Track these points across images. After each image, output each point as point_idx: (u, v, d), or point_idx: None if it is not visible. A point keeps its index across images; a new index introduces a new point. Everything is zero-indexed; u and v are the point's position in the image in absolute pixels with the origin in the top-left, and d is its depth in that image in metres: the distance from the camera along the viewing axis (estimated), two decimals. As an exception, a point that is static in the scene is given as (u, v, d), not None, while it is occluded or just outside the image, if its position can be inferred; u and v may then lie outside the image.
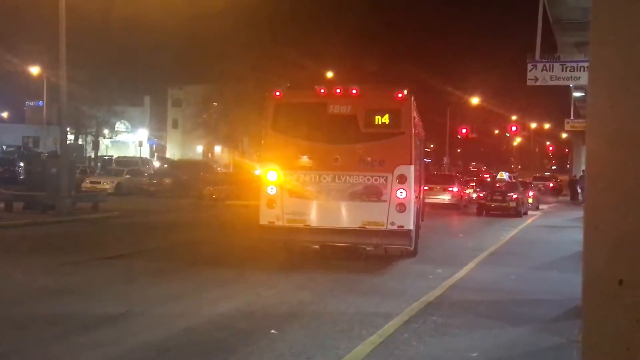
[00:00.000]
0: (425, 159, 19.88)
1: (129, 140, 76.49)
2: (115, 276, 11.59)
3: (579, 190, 41.11)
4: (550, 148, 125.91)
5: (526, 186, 37.53)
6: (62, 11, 22.05)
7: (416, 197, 14.37)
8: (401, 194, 13.00)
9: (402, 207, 12.99)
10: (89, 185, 35.58)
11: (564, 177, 61.53)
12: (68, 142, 33.38)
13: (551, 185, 57.69)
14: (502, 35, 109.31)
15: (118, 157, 57.26)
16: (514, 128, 70.54)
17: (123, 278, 11.42)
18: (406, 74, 62.96)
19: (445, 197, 33.73)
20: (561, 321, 8.99)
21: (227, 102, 55.67)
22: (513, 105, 74.84)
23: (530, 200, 34.98)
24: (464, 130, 63.12)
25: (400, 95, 13.34)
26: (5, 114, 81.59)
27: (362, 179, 13.11)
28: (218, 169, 50.13)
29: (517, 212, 30.27)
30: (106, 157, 60.26)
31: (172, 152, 78.78)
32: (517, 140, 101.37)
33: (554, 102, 63.63)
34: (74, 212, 22.35)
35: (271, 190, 13.33)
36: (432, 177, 34.68)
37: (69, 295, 9.85)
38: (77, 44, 30.56)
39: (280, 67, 50.65)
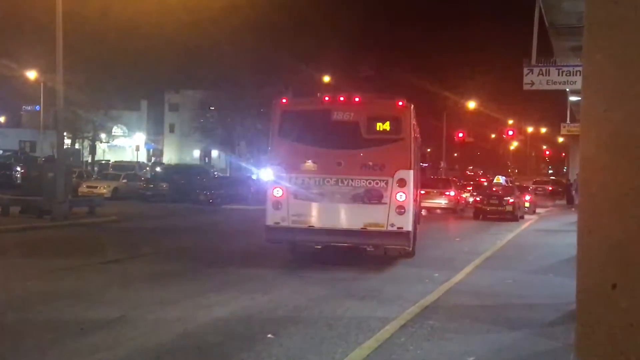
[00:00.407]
0: (421, 163, 20.12)
1: (126, 144, 76.43)
2: (111, 281, 11.56)
3: (574, 194, 41.17)
4: (547, 152, 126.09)
5: (523, 190, 37.57)
6: (58, 16, 22.07)
7: (414, 200, 14.84)
8: (401, 197, 13.63)
9: (401, 209, 13.61)
10: (85, 189, 35.53)
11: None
12: (65, 146, 33.34)
13: (550, 188, 58.56)
14: (498, 39, 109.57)
15: (115, 161, 57.24)
16: (510, 132, 70.59)
17: (119, 283, 11.40)
18: (403, 78, 63.13)
19: (441, 201, 33.78)
20: (557, 325, 8.99)
21: (223, 107, 55.72)
22: (509, 110, 74.93)
23: (526, 204, 35.02)
24: (460, 134, 63.21)
25: (400, 103, 14.06)
26: (2, 119, 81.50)
27: (363, 182, 13.70)
28: (215, 173, 50.09)
29: (514, 216, 30.29)
30: (103, 162, 60.21)
31: (169, 157, 78.82)
32: (514, 145, 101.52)
33: (551, 107, 63.80)
34: (70, 217, 22.32)
35: (277, 193, 13.94)
36: (429, 181, 34.71)
37: (65, 300, 9.82)
38: (74, 49, 30.58)
39: (276, 71, 50.72)
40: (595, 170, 2.01)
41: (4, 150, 59.81)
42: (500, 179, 37.35)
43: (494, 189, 33.56)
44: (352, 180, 13.74)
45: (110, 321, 8.49)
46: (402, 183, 13.67)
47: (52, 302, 9.63)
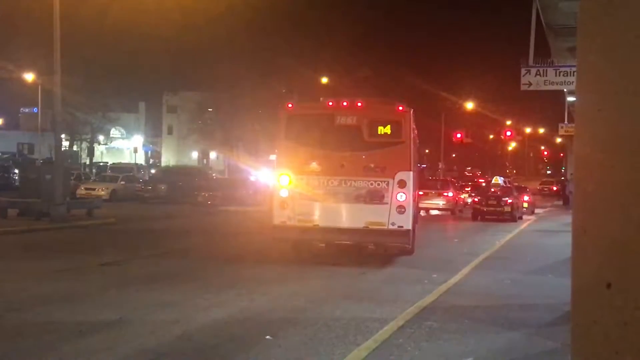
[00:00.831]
0: (419, 164, 20.38)
1: (124, 146, 76.44)
2: (109, 282, 11.56)
3: (568, 194, 41.12)
4: (545, 153, 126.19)
5: (521, 190, 37.58)
6: (56, 18, 22.06)
7: (413, 200, 15.36)
8: (401, 197, 14.26)
9: (402, 209, 14.24)
10: (83, 191, 35.52)
11: None
12: (63, 148, 33.38)
13: (555, 188, 60.05)
14: (496, 40, 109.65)
15: (113, 163, 57.22)
16: (508, 133, 70.69)
17: (117, 284, 11.39)
18: (401, 79, 63.15)
19: (440, 202, 33.79)
20: (555, 325, 8.99)
21: (221, 108, 55.72)
22: (507, 110, 75.02)
23: (525, 205, 35.04)
24: (458, 135, 63.22)
25: (400, 108, 14.82)
26: (0, 121, 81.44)
27: (365, 183, 14.35)
28: (213, 175, 50.10)
29: (512, 216, 30.31)
30: (101, 164, 60.21)
31: (167, 158, 78.80)
32: (512, 145, 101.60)
33: (548, 107, 63.87)
34: (68, 219, 22.32)
35: (284, 193, 14.57)
36: (427, 182, 34.73)
37: (63, 302, 9.82)
38: (72, 51, 30.55)
39: (274, 73, 50.73)
40: (590, 169, 2.02)
41: (2, 153, 59.80)
42: (498, 180, 37.34)
43: (492, 190, 33.56)
44: (354, 181, 14.35)
45: (108, 323, 8.49)
46: (402, 184, 14.26)
47: (51, 304, 9.63)
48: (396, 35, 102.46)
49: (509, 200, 30.97)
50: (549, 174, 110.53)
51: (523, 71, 22.69)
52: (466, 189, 43.88)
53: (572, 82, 22.18)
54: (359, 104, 14.85)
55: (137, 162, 65.21)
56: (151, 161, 76.85)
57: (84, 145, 64.68)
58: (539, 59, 23.28)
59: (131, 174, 45.18)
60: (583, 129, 2.06)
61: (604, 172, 1.97)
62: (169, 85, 70.46)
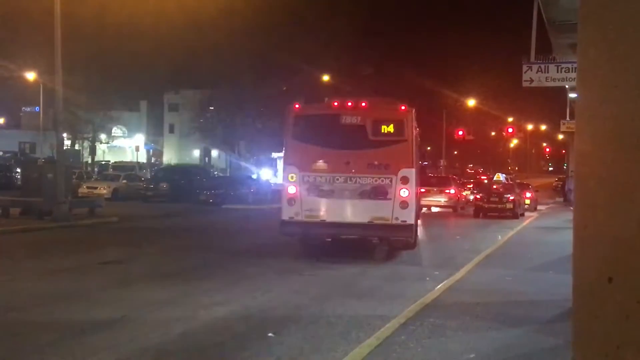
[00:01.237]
0: (421, 162, 20.53)
1: (125, 145, 76.42)
2: (112, 281, 11.57)
3: (567, 191, 41.03)
4: (547, 149, 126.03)
5: (523, 187, 37.54)
6: (57, 17, 22.07)
7: (416, 196, 15.78)
8: (404, 193, 14.79)
9: (405, 204, 14.78)
10: (85, 190, 35.52)
11: None
12: (64, 147, 33.33)
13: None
14: (497, 37, 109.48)
15: (115, 162, 57.21)
16: (510, 130, 70.56)
17: (120, 283, 11.40)
18: (403, 76, 63.11)
19: (442, 199, 33.77)
20: (558, 322, 8.98)
21: (223, 107, 55.74)
22: (509, 107, 74.97)
23: (527, 202, 35.01)
24: (460, 132, 63.12)
25: (403, 108, 15.34)
26: (1, 120, 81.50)
27: (370, 180, 14.88)
28: (215, 173, 50.10)
29: (514, 213, 30.30)
30: (103, 163, 60.19)
31: (169, 157, 78.82)
32: (514, 142, 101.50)
33: (550, 104, 63.75)
34: (70, 218, 22.33)
35: (291, 190, 15.10)
36: (429, 180, 34.68)
37: (66, 301, 9.83)
38: (73, 50, 30.55)
39: (276, 71, 50.73)
40: (590, 165, 2.02)
41: (4, 152, 59.80)
42: (500, 177, 37.30)
43: (494, 187, 33.53)
44: (359, 178, 14.89)
45: (111, 321, 8.50)
46: (405, 180, 14.80)
47: (53, 303, 9.65)
48: (397, 33, 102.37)
49: (511, 197, 30.95)
50: (550, 171, 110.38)
51: (524, 68, 22.62)
52: (468, 186, 43.81)
53: (574, 78, 22.12)
54: (363, 104, 15.36)
55: (138, 160, 65.18)
56: (153, 160, 76.86)
57: (86, 144, 64.67)
58: (541, 55, 23.20)
59: (133, 172, 45.18)
60: (584, 124, 2.06)
61: (604, 167, 1.96)
62: (170, 83, 70.54)
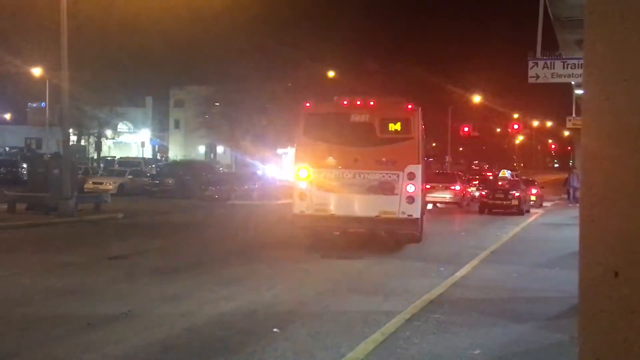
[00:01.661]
0: (426, 158, 20.72)
1: (131, 141, 76.55)
2: (117, 276, 11.61)
3: (568, 188, 40.80)
4: (553, 146, 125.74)
5: (529, 184, 37.44)
6: (63, 12, 22.10)
7: (422, 192, 16.37)
8: (410, 188, 15.38)
9: (411, 199, 15.39)
10: (91, 186, 35.61)
11: None
12: (70, 143, 33.38)
13: None
14: (503, 33, 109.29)
15: (120, 157, 57.34)
16: (515, 126, 70.35)
17: (126, 278, 11.44)
18: (408, 72, 63.02)
19: (447, 196, 33.70)
20: (563, 318, 8.98)
21: (229, 102, 55.73)
22: (515, 103, 74.74)
23: (532, 198, 34.93)
24: (465, 129, 62.95)
25: (409, 106, 16.01)
26: (7, 116, 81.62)
27: (378, 176, 15.46)
28: (220, 169, 50.12)
29: (519, 210, 30.21)
30: (109, 158, 60.33)
31: (175, 153, 78.91)
32: (519, 139, 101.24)
33: (556, 100, 63.55)
34: (76, 213, 22.38)
35: (302, 185, 15.75)
36: (434, 176, 34.61)
37: (72, 296, 9.87)
38: (79, 45, 30.56)
39: (282, 66, 50.70)
40: (597, 159, 2.02)
41: (10, 148, 60.04)
42: (505, 173, 37.19)
43: (499, 183, 33.45)
44: (367, 174, 15.48)
45: (117, 316, 8.53)
46: (411, 176, 15.39)
47: (59, 298, 9.69)
48: (403, 29, 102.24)
49: (516, 194, 30.86)
50: (556, 167, 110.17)
51: (530, 64, 22.58)
52: (474, 182, 43.69)
53: (580, 74, 22.04)
54: (372, 103, 15.99)
55: (144, 156, 65.27)
56: (158, 155, 76.94)
57: (92, 139, 64.80)
58: (547, 51, 23.18)
59: (139, 168, 45.26)
60: (590, 118, 2.06)
61: (611, 161, 1.96)
62: (176, 79, 70.56)
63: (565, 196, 41.71)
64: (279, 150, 61.70)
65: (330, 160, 15.69)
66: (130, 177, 39.39)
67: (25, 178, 35.84)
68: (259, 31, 48.01)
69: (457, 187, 34.60)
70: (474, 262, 14.17)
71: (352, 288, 10.95)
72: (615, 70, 1.96)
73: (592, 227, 2.02)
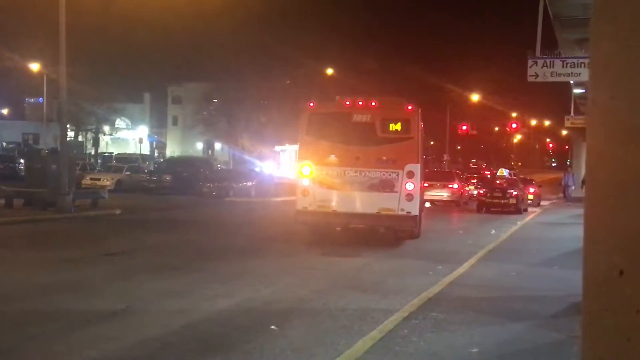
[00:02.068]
0: (424, 156, 20.84)
1: (129, 137, 76.51)
2: (115, 272, 11.59)
3: (564, 187, 40.82)
4: (551, 145, 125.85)
5: (527, 183, 37.45)
6: (62, 8, 22.04)
7: (420, 189, 16.94)
8: (410, 186, 15.90)
9: (410, 197, 15.91)
10: (89, 181, 35.56)
11: None
12: (68, 138, 33.37)
13: None
14: (502, 31, 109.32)
15: (118, 153, 57.27)
16: (514, 125, 70.37)
17: (123, 274, 11.42)
18: (407, 71, 63.02)
19: (445, 194, 33.70)
20: (561, 317, 8.99)
21: (226, 99, 55.72)
22: (513, 102, 74.76)
23: (530, 197, 34.94)
24: (464, 127, 63.01)
25: (410, 107, 16.54)
26: (5, 111, 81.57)
27: (378, 174, 15.96)
28: (218, 166, 50.11)
29: (517, 208, 30.23)
30: (106, 154, 60.27)
31: (172, 149, 78.87)
32: (517, 137, 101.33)
33: (554, 99, 63.55)
34: (74, 209, 22.35)
35: (305, 182, 16.24)
36: (432, 174, 34.60)
37: (69, 292, 9.85)
38: (77, 41, 30.55)
39: (280, 64, 50.69)
40: (602, 157, 2.01)
41: (8, 143, 59.91)
42: (503, 172, 37.19)
43: (497, 182, 33.46)
44: (368, 172, 15.96)
45: (114, 312, 8.52)
46: (410, 175, 15.90)
47: (57, 294, 9.67)
48: (402, 28, 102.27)
49: (514, 193, 30.88)
50: (554, 166, 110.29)
51: (530, 62, 22.59)
52: (472, 181, 43.66)
53: (579, 73, 22.13)
54: (373, 104, 16.43)
55: (142, 152, 65.22)
56: (156, 152, 76.88)
57: (89, 135, 64.80)
58: (546, 50, 23.20)
59: (136, 164, 45.21)
60: (595, 117, 2.05)
61: (616, 160, 1.95)
62: (174, 76, 70.54)
63: (562, 195, 41.70)
64: (277, 148, 61.71)
65: (333, 158, 16.15)
66: (127, 173, 39.33)
67: (23, 173, 35.79)
68: (258, 29, 48.08)
69: (455, 186, 34.61)
70: (472, 261, 14.18)
71: (351, 286, 10.95)
72: (621, 69, 1.95)
73: (597, 226, 2.01)
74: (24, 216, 20.51)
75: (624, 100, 1.92)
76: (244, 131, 56.86)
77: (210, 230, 19.45)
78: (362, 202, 15.96)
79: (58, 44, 22.49)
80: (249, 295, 9.95)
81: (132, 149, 70.89)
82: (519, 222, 25.04)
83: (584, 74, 21.30)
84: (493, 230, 21.45)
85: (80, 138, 63.72)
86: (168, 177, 37.50)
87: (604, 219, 1.97)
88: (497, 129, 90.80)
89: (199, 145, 77.01)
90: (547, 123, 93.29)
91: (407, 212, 15.90)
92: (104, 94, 56.64)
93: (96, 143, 63.87)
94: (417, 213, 16.17)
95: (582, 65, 21.63)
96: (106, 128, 67.73)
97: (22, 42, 48.99)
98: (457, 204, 34.26)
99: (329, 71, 52.77)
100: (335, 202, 16.07)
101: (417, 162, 16.22)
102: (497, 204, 30.57)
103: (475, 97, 64.64)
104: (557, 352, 7.40)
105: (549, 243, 18.53)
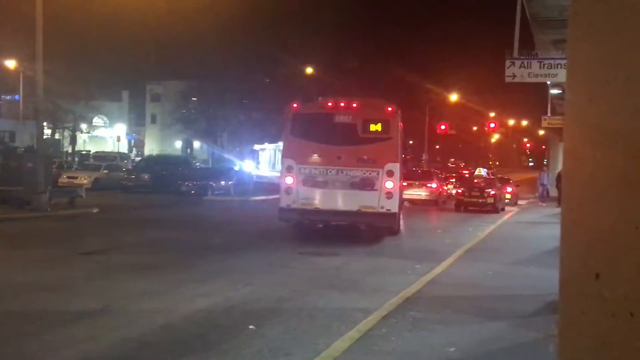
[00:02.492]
0: (404, 156, 21.00)
1: (106, 135, 75.87)
2: (92, 272, 11.50)
3: (540, 186, 41.14)
4: (528, 145, 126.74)
5: (504, 182, 37.69)
6: (39, 4, 21.81)
7: (399, 188, 17.49)
8: (389, 184, 16.44)
9: (389, 195, 16.44)
10: (66, 180, 35.23)
11: None
12: (45, 136, 33.05)
13: None
14: (481, 32, 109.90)
15: (96, 152, 56.76)
16: (492, 125, 70.74)
17: (101, 274, 11.34)
18: (386, 70, 63.14)
19: (423, 193, 33.81)
20: (538, 316, 9.06)
21: (206, 98, 55.44)
22: (491, 102, 75.12)
23: (508, 197, 35.17)
24: (442, 127, 63.26)
25: (390, 109, 17.04)
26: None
27: (359, 172, 16.47)
28: (197, 164, 49.83)
29: (495, 208, 30.42)
30: (84, 152, 59.69)
31: (151, 147, 78.40)
32: (495, 137, 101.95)
33: (532, 99, 63.93)
34: (50, 208, 22.14)
35: (289, 180, 16.72)
36: (411, 173, 34.69)
37: (46, 291, 9.75)
38: (55, 38, 30.18)
39: (259, 62, 50.51)
40: (579, 160, 2.02)
41: (-17, 141, 59.06)
42: (481, 171, 37.40)
43: (475, 181, 33.64)
44: (349, 170, 16.45)
45: (92, 312, 8.44)
46: (390, 174, 16.45)
47: (33, 293, 9.57)
48: (381, 27, 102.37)
49: (492, 192, 31.07)
50: (531, 166, 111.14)
51: (507, 63, 22.71)
52: (450, 180, 43.85)
53: (556, 74, 22.28)
54: (354, 105, 17.04)
55: (120, 151, 64.70)
56: (134, 150, 76.34)
57: (66, 133, 64.13)
58: (524, 51, 23.34)
59: (114, 162, 44.85)
60: (572, 119, 2.06)
61: (593, 163, 1.96)
62: (153, 74, 70.08)
63: (539, 194, 42.00)
64: (256, 146, 61.53)
65: (315, 157, 16.60)
66: (105, 171, 39.03)
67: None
68: (238, 27, 47.78)
69: (434, 185, 34.75)
70: (450, 260, 14.24)
71: (330, 285, 10.95)
72: (599, 72, 1.96)
73: (574, 229, 2.02)
74: (-1, 215, 20.28)
75: (601, 103, 1.93)
76: (223, 130, 56.62)
77: (188, 229, 19.35)
78: (343, 200, 16.44)
79: (34, 40, 22.26)
80: (227, 294, 9.92)
81: (110, 147, 70.31)
82: (496, 221, 25.20)
83: (561, 75, 21.47)
84: (473, 229, 21.56)
85: (57, 136, 63.06)
86: (146, 176, 37.22)
87: (580, 222, 1.98)
88: (475, 128, 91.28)
89: (178, 144, 76.57)
90: (524, 123, 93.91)
91: (387, 210, 16.42)
92: (82, 92, 56.02)
93: (73, 141, 63.23)
94: (396, 210, 16.79)
95: (559, 66, 21.80)
96: (84, 126, 67.11)
97: (-3, 39, 48.37)
98: (436, 203, 34.39)
99: (309, 70, 52.72)
100: (318, 199, 16.51)
101: (397, 162, 16.75)
102: (475, 203, 30.74)
103: (454, 97, 64.93)
104: (534, 350, 7.45)
105: (526, 242, 18.67)
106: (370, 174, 16.43)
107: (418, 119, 62.42)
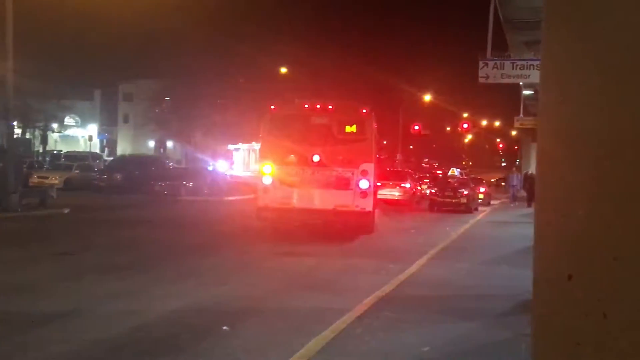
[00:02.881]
0: (378, 156, 21.16)
1: (78, 134, 75.08)
2: (63, 273, 11.35)
3: (510, 187, 41.55)
4: (501, 145, 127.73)
5: (477, 182, 37.98)
6: (8, 1, 21.49)
7: (374, 187, 17.81)
8: (364, 184, 16.95)
9: (364, 194, 16.98)
10: (37, 180, 34.74)
11: None
12: (15, 136, 32.58)
13: None
14: (454, 33, 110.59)
15: (67, 151, 56.13)
16: (465, 125, 71.15)
17: (71, 274, 11.20)
18: (360, 70, 63.29)
19: (397, 193, 33.89)
20: (510, 315, 9.12)
21: (179, 97, 55.08)
22: (465, 103, 75.56)
23: (480, 196, 35.46)
24: (416, 127, 63.48)
25: (364, 110, 17.62)
26: (-51, 107, 79.16)
27: (335, 172, 16.99)
28: (170, 164, 49.50)
29: (468, 208, 30.64)
30: (55, 152, 59.00)
31: (123, 147, 77.68)
32: (469, 138, 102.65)
33: (504, 100, 64.52)
34: (21, 208, 21.84)
35: (267, 180, 17.14)
36: (385, 173, 34.75)
37: (15, 292, 9.61)
38: (25, 35, 29.81)
39: (233, 62, 50.36)
40: (552, 162, 2.02)
41: (-48, 140, 58.07)
42: (455, 172, 37.67)
43: (448, 181, 33.86)
44: (325, 170, 16.95)
45: (62, 314, 8.33)
46: (365, 173, 16.95)
47: (2, 295, 9.43)
48: (354, 28, 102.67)
49: (465, 192, 31.30)
50: (504, 166, 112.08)
51: (481, 64, 22.91)
52: (424, 180, 44.06)
53: (529, 75, 22.52)
54: (330, 107, 17.55)
55: (92, 150, 64.06)
56: (106, 150, 75.63)
57: (37, 133, 63.35)
58: (497, 52, 23.56)
59: (86, 162, 44.37)
60: (546, 120, 2.06)
61: (567, 164, 1.97)
62: (125, 73, 69.44)
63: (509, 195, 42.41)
64: (230, 146, 61.27)
65: (292, 157, 17.12)
66: (77, 171, 38.58)
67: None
68: (212, 26, 47.59)
69: (408, 185, 34.87)
70: (424, 260, 14.29)
71: (304, 285, 10.93)
72: (572, 73, 1.97)
73: (547, 230, 2.02)
74: (-32, 215, 19.95)
75: (574, 104, 1.93)
76: (196, 129, 56.30)
77: (161, 230, 19.20)
78: (320, 199, 16.89)
79: (4, 38, 21.93)
80: (201, 295, 9.86)
81: (81, 146, 69.60)
82: (469, 221, 25.37)
83: (534, 76, 21.71)
84: (447, 229, 21.68)
85: (27, 135, 62.30)
86: (119, 176, 36.83)
87: (553, 223, 1.98)
88: (448, 129, 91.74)
89: (151, 144, 76.00)
90: (497, 123, 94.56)
91: (362, 208, 16.96)
92: (53, 91, 55.42)
93: (44, 141, 62.43)
94: (370, 209, 17.28)
95: (532, 67, 22.03)
96: (55, 125, 66.36)
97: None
98: (409, 203, 34.51)
99: (283, 70, 52.68)
100: (295, 199, 16.98)
101: (371, 162, 17.23)
102: (449, 203, 30.93)
103: (427, 98, 65.23)
104: (507, 349, 7.50)
105: (499, 242, 18.82)
106: (345, 173, 16.88)
107: (392, 119, 62.65)
